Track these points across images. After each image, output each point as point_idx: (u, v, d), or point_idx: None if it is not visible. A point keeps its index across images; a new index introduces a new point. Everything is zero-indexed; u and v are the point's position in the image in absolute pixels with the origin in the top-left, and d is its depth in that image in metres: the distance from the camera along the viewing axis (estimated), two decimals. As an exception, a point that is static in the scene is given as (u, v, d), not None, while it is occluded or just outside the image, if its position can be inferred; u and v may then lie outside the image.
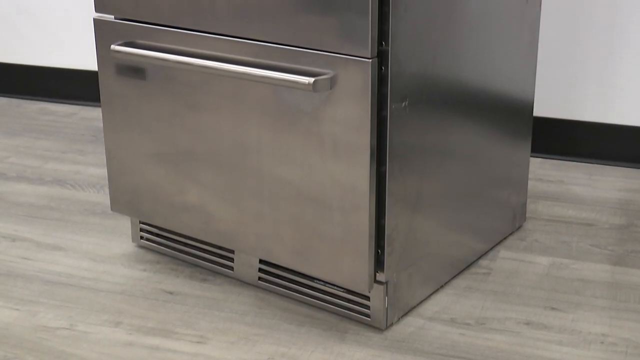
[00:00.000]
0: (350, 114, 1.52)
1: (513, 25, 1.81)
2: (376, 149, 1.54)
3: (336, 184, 1.58)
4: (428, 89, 1.61)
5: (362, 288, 1.62)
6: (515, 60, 1.86)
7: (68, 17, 2.91)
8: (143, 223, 1.96)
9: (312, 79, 1.48)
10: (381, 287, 1.63)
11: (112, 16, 1.78)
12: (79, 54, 2.93)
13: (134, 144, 1.84)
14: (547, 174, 2.39)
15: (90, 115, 2.88)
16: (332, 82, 1.51)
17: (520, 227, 2.08)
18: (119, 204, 1.91)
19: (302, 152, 1.60)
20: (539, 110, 2.47)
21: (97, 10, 1.78)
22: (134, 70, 1.77)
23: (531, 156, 2.51)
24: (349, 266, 1.61)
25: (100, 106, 2.95)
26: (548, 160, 2.49)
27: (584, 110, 2.45)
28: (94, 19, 1.79)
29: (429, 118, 1.63)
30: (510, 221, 2.02)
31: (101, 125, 2.78)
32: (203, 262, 1.88)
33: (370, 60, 1.47)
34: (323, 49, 1.51)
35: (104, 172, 2.41)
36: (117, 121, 1.85)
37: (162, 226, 1.87)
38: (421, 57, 1.56)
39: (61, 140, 2.66)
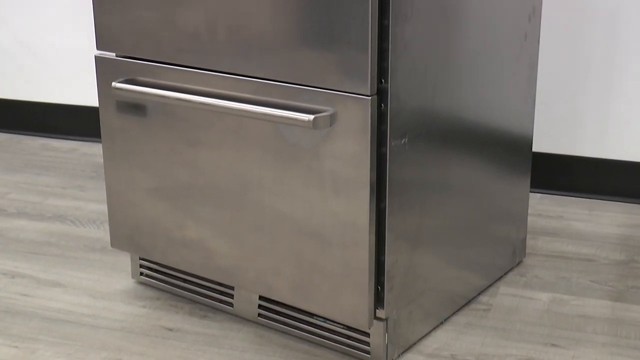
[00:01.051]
0: (350, 150, 1.52)
1: (512, 61, 1.83)
2: (376, 185, 1.55)
3: (336, 219, 1.58)
4: (427, 125, 1.61)
5: (362, 325, 1.61)
6: (514, 95, 1.87)
7: (69, 53, 2.93)
8: (143, 259, 1.95)
9: (312, 116, 1.49)
10: (381, 324, 1.63)
11: (114, 54, 1.79)
12: (80, 90, 2.95)
13: (134, 180, 1.84)
14: (546, 210, 2.39)
15: (91, 151, 2.89)
16: (332, 119, 1.52)
17: (520, 262, 2.08)
18: (118, 240, 1.92)
19: (302, 188, 1.61)
20: (538, 146, 2.48)
21: (98, 48, 1.80)
22: (135, 107, 1.78)
23: (531, 191, 2.51)
24: (348, 302, 1.61)
25: (100, 142, 2.96)
26: (547, 195, 2.49)
27: (583, 145, 2.46)
28: (96, 57, 1.81)
29: (428, 154, 1.64)
30: (510, 257, 2.01)
31: (102, 161, 2.79)
32: (203, 298, 1.87)
33: (370, 97, 1.48)
34: (323, 87, 1.52)
35: (104, 207, 2.41)
36: (117, 157, 1.85)
37: (162, 262, 1.87)
38: (420, 94, 1.58)
39: (62, 176, 2.67)
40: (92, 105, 2.95)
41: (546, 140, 2.48)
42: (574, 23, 2.37)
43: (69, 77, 2.96)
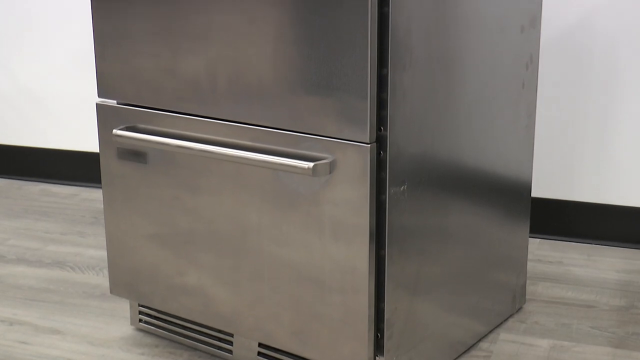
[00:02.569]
0: (350, 197, 1.53)
1: (510, 109, 1.84)
2: (375, 232, 1.55)
3: (336, 266, 1.58)
4: (427, 172, 1.62)
5: (362, 372, 1.60)
6: (512, 142, 1.88)
7: (70, 99, 2.95)
8: (142, 306, 1.95)
9: (311, 164, 1.50)
10: (381, 372, 1.62)
11: (115, 101, 1.81)
12: (80, 135, 2.97)
13: (134, 226, 1.85)
14: (546, 255, 2.40)
15: (91, 197, 2.90)
16: (332, 166, 1.53)
17: (520, 308, 2.07)
18: (118, 287, 1.91)
19: (301, 234, 1.61)
20: (537, 191, 2.49)
21: (100, 95, 1.81)
22: (135, 154, 1.80)
23: (530, 237, 2.51)
24: (348, 349, 1.60)
25: (101, 187, 2.97)
26: (547, 241, 2.50)
27: (581, 191, 2.46)
28: (97, 104, 1.82)
29: (427, 201, 1.64)
30: (510, 303, 2.01)
31: (102, 206, 2.80)
32: (202, 345, 1.87)
33: (369, 145, 1.49)
34: (323, 134, 1.53)
35: (103, 254, 2.41)
36: (117, 203, 1.86)
37: (161, 309, 1.87)
38: (419, 141, 1.59)
39: (62, 221, 2.67)
40: (93, 150, 2.97)
41: (545, 185, 2.49)
42: (571, 70, 2.39)
43: (70, 123, 2.97)
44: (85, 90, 2.92)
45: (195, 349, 1.89)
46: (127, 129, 1.78)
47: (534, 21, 1.87)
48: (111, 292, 1.94)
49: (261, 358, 1.78)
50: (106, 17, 1.76)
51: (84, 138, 2.97)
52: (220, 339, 1.84)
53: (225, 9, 1.60)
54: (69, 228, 2.62)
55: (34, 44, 2.95)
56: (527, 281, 2.22)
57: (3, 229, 2.60)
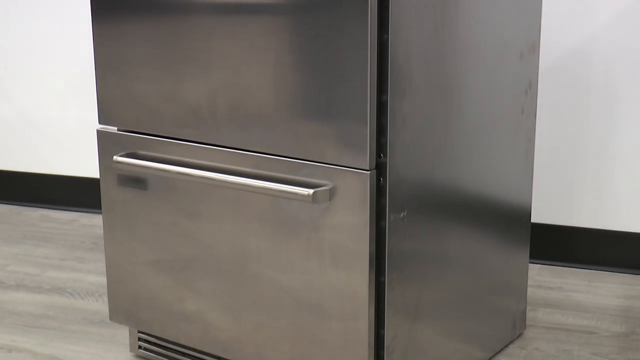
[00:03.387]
0: (349, 224, 1.53)
1: (509, 135, 1.85)
2: (375, 258, 1.55)
3: (335, 292, 1.58)
4: (426, 199, 1.63)
5: (362, 400, 1.60)
6: (512, 168, 1.88)
7: (70, 125, 2.96)
8: (141, 332, 1.95)
9: (311, 191, 1.51)
10: (381, 399, 1.62)
11: (115, 128, 1.82)
12: (80, 161, 2.97)
13: (133, 252, 1.84)
14: (546, 281, 2.39)
15: (91, 222, 2.90)
16: (332, 193, 1.53)
17: (520, 335, 2.07)
18: (117, 314, 1.91)
19: (301, 261, 1.61)
20: (537, 217, 2.49)
21: (100, 122, 1.82)
22: (136, 180, 1.80)
23: (530, 262, 2.51)
24: (348, 377, 1.60)
25: (100, 213, 2.97)
26: (547, 266, 2.49)
27: (581, 216, 2.47)
28: (98, 131, 1.83)
29: (427, 227, 1.64)
30: (510, 329, 2.01)
31: (101, 232, 2.80)
32: (201, 372, 1.86)
33: (369, 172, 1.49)
34: (322, 161, 1.54)
35: (103, 280, 2.41)
36: (117, 229, 1.86)
37: (161, 335, 1.86)
38: (419, 168, 1.59)
39: (61, 247, 2.67)
40: (92, 176, 2.97)
41: (545, 211, 2.49)
42: (570, 96, 2.40)
43: (70, 148, 2.98)
44: (85, 116, 2.93)
45: (194, 375, 1.88)
46: (128, 155, 1.78)
47: (532, 48, 1.88)
48: (110, 318, 1.93)
49: (261, 385, 1.78)
50: (107, 43, 1.77)
51: (84, 164, 2.97)
52: (219, 366, 1.84)
53: (225, 35, 1.61)
54: (69, 254, 2.62)
55: (35, 69, 2.96)
56: (528, 307, 2.22)
57: (3, 255, 2.60)
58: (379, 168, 1.52)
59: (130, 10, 1.72)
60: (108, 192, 1.85)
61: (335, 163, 1.53)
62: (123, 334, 2.09)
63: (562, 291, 2.32)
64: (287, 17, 1.53)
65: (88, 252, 2.63)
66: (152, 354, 1.94)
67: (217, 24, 1.61)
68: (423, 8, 1.53)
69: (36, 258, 2.58)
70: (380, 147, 1.51)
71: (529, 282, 2.38)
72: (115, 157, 1.76)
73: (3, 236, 2.77)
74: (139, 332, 1.95)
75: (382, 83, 1.49)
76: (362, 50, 1.46)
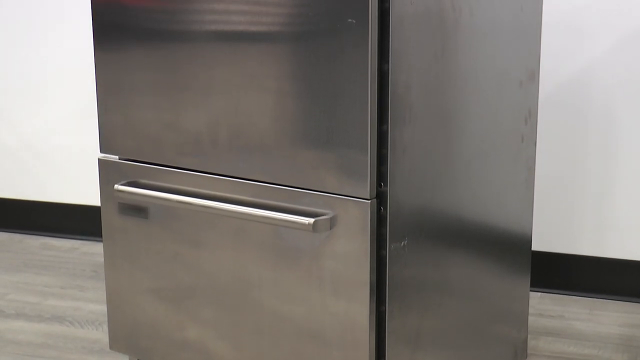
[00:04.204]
0: (350, 253, 1.53)
1: (509, 163, 1.85)
2: (376, 287, 1.55)
3: (336, 321, 1.58)
4: (427, 227, 1.63)
5: None
6: (512, 196, 1.89)
7: (71, 153, 2.96)
8: (142, 361, 1.94)
9: (312, 220, 1.51)
10: None
11: (117, 156, 1.82)
12: (81, 189, 2.97)
13: (134, 281, 1.84)
14: (547, 309, 2.39)
15: (91, 250, 2.90)
16: (332, 222, 1.53)
17: (522, 364, 2.06)
18: (117, 342, 1.90)
19: (302, 289, 1.61)
20: (538, 245, 2.49)
21: (102, 150, 1.82)
22: (137, 209, 1.80)
23: (531, 291, 2.51)
24: (349, 407, 1.59)
25: (101, 240, 2.97)
26: (548, 294, 2.49)
27: (582, 244, 2.46)
28: (99, 159, 1.83)
29: (428, 255, 1.64)
30: (511, 357, 2.00)
31: (102, 260, 2.79)
32: (202, 402, 1.85)
33: (370, 201, 1.50)
34: (323, 190, 1.54)
35: (103, 308, 2.40)
36: (118, 258, 1.86)
37: (161, 365, 1.85)
38: (420, 197, 1.59)
39: (62, 275, 2.67)
40: (93, 204, 2.97)
41: (545, 239, 2.49)
42: (570, 124, 2.40)
43: (71, 176, 2.98)
44: (86, 143, 2.94)
45: (194, 405, 1.87)
46: (129, 184, 1.78)
47: (532, 76, 1.89)
48: (110, 347, 1.93)
49: (261, 415, 1.77)
50: (109, 70, 1.78)
51: (84, 191, 2.97)
52: (220, 395, 1.83)
53: (226, 63, 1.62)
54: (69, 282, 2.61)
55: (36, 96, 2.97)
56: (529, 335, 2.21)
57: (3, 283, 2.60)
58: (380, 197, 1.52)
59: (132, 38, 1.73)
60: (109, 221, 1.85)
61: (335, 192, 1.53)
62: (123, 363, 2.08)
63: (564, 319, 2.32)
64: (287, 46, 1.54)
65: (88, 281, 2.63)
66: (152, 384, 1.93)
67: (218, 52, 1.62)
68: (423, 37, 1.54)
69: (36, 286, 2.58)
70: (381, 176, 1.52)
71: (530, 311, 2.37)
72: (116, 186, 1.76)
73: (3, 264, 2.76)
74: (139, 361, 1.94)
75: (382, 112, 1.50)
76: (362, 79, 1.46)
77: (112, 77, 1.78)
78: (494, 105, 1.77)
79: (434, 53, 1.57)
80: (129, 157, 1.80)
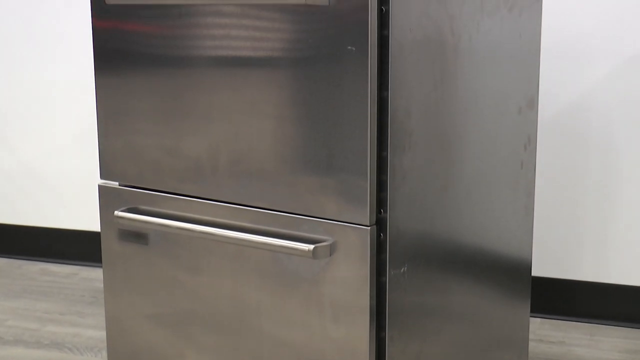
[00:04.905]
0: (350, 279, 1.53)
1: (509, 189, 1.86)
2: (376, 314, 1.55)
3: (336, 347, 1.57)
4: (427, 253, 1.63)
5: None
6: (512, 222, 1.89)
7: (70, 178, 2.97)
8: (141, 388, 1.93)
9: (311, 246, 1.51)
10: None
11: (117, 183, 1.82)
12: (81, 214, 2.97)
13: (134, 306, 1.84)
14: (547, 335, 2.38)
15: (91, 276, 2.89)
16: (332, 248, 1.53)
17: (522, 390, 2.05)
18: (117, 369, 1.90)
19: (301, 316, 1.61)
20: (538, 270, 2.49)
21: (102, 177, 1.83)
22: (137, 235, 1.80)
23: (531, 316, 2.50)
24: None
25: (100, 266, 2.96)
26: (548, 320, 2.48)
27: (582, 269, 2.46)
28: (99, 186, 1.83)
29: (428, 282, 1.64)
30: (512, 385, 1.99)
31: (101, 285, 2.79)
32: None
33: (369, 227, 1.50)
34: (323, 216, 1.54)
35: (102, 334, 2.40)
36: (117, 284, 1.86)
37: (160, 392, 1.85)
38: (419, 223, 1.59)
39: (61, 301, 2.66)
40: (92, 229, 2.97)
41: (545, 264, 2.49)
42: (569, 150, 2.41)
43: (70, 201, 2.98)
44: (85, 168, 2.94)
45: None
46: (129, 210, 1.79)
47: (531, 102, 1.90)
48: (110, 374, 1.92)
49: None
50: (109, 96, 1.79)
51: (84, 217, 2.97)
52: (219, 423, 1.82)
53: (226, 89, 1.62)
54: (68, 308, 2.61)
55: (36, 120, 2.98)
56: (529, 362, 2.20)
57: (1, 310, 2.59)
58: (379, 223, 1.52)
59: (133, 64, 1.74)
60: (109, 246, 1.85)
61: (335, 218, 1.53)
62: (122, 389, 2.07)
63: (564, 345, 2.31)
64: (287, 72, 1.54)
65: (88, 307, 2.62)
66: (151, 411, 1.92)
67: (219, 78, 1.63)
68: (423, 64, 1.55)
69: (35, 312, 2.57)
70: (381, 202, 1.52)
71: (530, 336, 2.36)
72: (116, 212, 1.77)
73: (2, 290, 2.76)
74: (138, 388, 1.94)
75: (382, 139, 1.50)
76: (362, 106, 1.47)
77: (112, 103, 1.79)
78: (493, 132, 1.78)
79: (433, 80, 1.58)
80: (129, 183, 1.80)
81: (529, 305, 2.02)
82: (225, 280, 1.70)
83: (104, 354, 2.27)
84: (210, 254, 1.70)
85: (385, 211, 1.52)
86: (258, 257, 1.64)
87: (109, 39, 1.76)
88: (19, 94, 2.98)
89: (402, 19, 1.49)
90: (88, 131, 2.92)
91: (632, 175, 2.37)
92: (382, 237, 1.52)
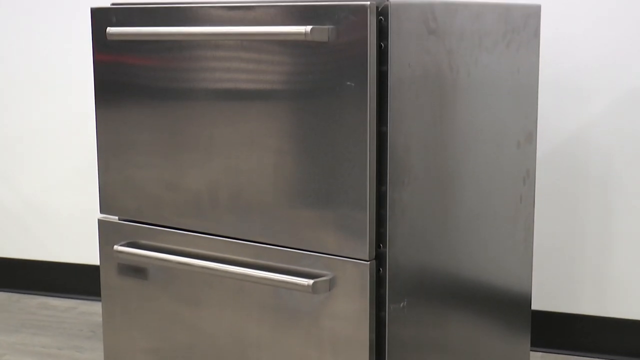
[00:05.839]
0: (349, 313, 1.53)
1: (508, 223, 1.86)
2: (375, 348, 1.54)
3: (336, 384, 1.57)
4: (426, 288, 1.63)
5: None
6: (511, 256, 1.89)
7: (69, 211, 2.97)
8: None
9: (311, 281, 1.51)
10: None
11: (116, 217, 1.83)
12: (80, 248, 2.97)
13: (133, 341, 1.83)
14: (548, 369, 2.37)
15: (90, 310, 2.88)
16: (331, 283, 1.53)
17: None
18: (115, 405, 1.89)
19: (301, 350, 1.60)
20: (538, 304, 2.48)
21: (102, 211, 1.83)
22: (136, 269, 1.80)
23: (531, 350, 2.49)
24: None
25: (99, 300, 2.95)
26: (548, 354, 2.47)
27: (582, 303, 2.46)
28: (99, 220, 1.84)
29: (427, 316, 1.64)
30: (513, 420, 1.98)
31: (100, 319, 2.78)
32: None
33: (369, 262, 1.50)
34: (322, 251, 1.54)
35: (101, 369, 2.39)
36: (116, 317, 1.85)
37: None
38: (419, 257, 1.59)
39: (59, 335, 2.65)
40: (91, 263, 2.96)
41: (545, 298, 2.48)
42: (568, 184, 2.41)
43: (69, 235, 2.98)
44: (85, 201, 2.94)
45: None
46: (128, 244, 1.79)
47: (530, 137, 1.91)
48: (108, 409, 1.91)
49: None
50: (109, 129, 1.79)
51: (83, 251, 2.97)
52: None
53: (226, 122, 1.63)
54: (66, 342, 2.59)
55: (36, 154, 2.99)
56: (530, 396, 2.19)
57: None
58: (379, 258, 1.52)
59: (133, 97, 1.75)
60: (108, 281, 1.85)
61: (335, 253, 1.53)
62: None
63: (565, 380, 2.30)
64: (287, 106, 1.55)
65: (86, 341, 2.61)
66: None
67: (218, 111, 1.64)
68: (421, 99, 1.55)
69: (33, 347, 2.56)
70: (380, 237, 1.52)
71: (531, 371, 2.35)
72: (116, 247, 1.77)
73: (0, 325, 2.75)
74: (136, 423, 1.92)
75: (381, 173, 1.51)
76: (361, 141, 1.48)
77: (112, 136, 1.79)
78: (492, 166, 1.78)
79: (432, 114, 1.59)
80: (129, 218, 1.80)
81: (529, 339, 2.01)
82: (225, 315, 1.69)
83: (103, 388, 2.26)
84: (210, 289, 1.70)
85: (385, 246, 1.52)
86: (258, 292, 1.64)
87: (110, 73, 1.77)
88: (18, 128, 2.99)
89: (401, 54, 1.50)
90: (88, 165, 2.93)
91: (631, 208, 2.37)
92: (381, 271, 1.52)
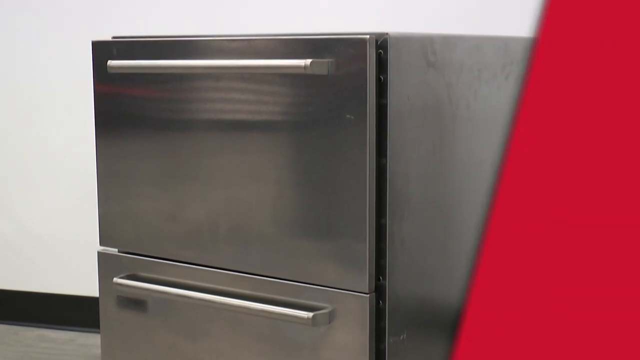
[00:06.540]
0: (349, 346, 1.52)
1: (507, 255, 1.85)
2: (376, 382, 1.54)
3: (336, 418, 1.56)
4: (426, 320, 1.62)
5: None
6: (511, 289, 1.88)
7: (68, 243, 2.96)
8: None
9: (311, 314, 1.50)
10: None
11: (116, 249, 1.82)
12: (80, 280, 2.96)
13: (131, 375, 1.83)
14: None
15: (88, 342, 2.87)
16: (331, 316, 1.53)
17: None
18: None
19: (301, 384, 1.59)
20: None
21: (102, 243, 1.83)
22: (135, 302, 1.79)
23: None
24: None
25: (98, 332, 2.94)
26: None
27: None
28: (98, 252, 1.83)
29: (427, 348, 1.63)
30: None
31: (99, 352, 2.76)
32: None
33: (368, 295, 1.50)
34: (322, 284, 1.54)
35: (99, 402, 2.37)
36: (115, 350, 1.84)
37: None
38: (418, 289, 1.59)
39: (57, 368, 2.64)
40: (90, 295, 2.96)
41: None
42: (567, 215, 2.42)
43: (68, 267, 2.98)
44: (85, 234, 2.94)
45: None
46: (128, 277, 1.78)
47: (529, 169, 1.91)
48: None
49: None
50: (109, 160, 1.80)
51: (82, 282, 2.96)
52: None
53: (226, 153, 1.63)
54: (65, 375, 2.58)
55: (35, 184, 2.99)
56: None
57: (-2, 376, 2.57)
58: (378, 290, 1.52)
59: (133, 128, 1.75)
60: (107, 313, 1.85)
61: (334, 285, 1.53)
62: None
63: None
64: (287, 138, 1.56)
65: (85, 373, 2.60)
66: None
67: (218, 143, 1.64)
68: (421, 131, 1.56)
69: (32, 379, 2.55)
70: (380, 269, 1.52)
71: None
72: (115, 279, 1.76)
73: (-1, 357, 2.73)
74: None
75: (380, 205, 1.51)
76: (361, 173, 1.48)
77: (112, 167, 1.80)
78: (490, 193, 1.78)
79: (431, 146, 1.59)
80: (129, 250, 1.80)
81: None
82: (224, 347, 1.68)
83: (101, 422, 2.24)
84: (210, 321, 1.69)
85: (384, 278, 1.51)
86: (257, 324, 1.63)
87: (110, 102, 1.78)
88: (17, 158, 3.00)
89: (400, 87, 1.51)
90: (87, 196, 2.93)
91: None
92: (381, 304, 1.52)
